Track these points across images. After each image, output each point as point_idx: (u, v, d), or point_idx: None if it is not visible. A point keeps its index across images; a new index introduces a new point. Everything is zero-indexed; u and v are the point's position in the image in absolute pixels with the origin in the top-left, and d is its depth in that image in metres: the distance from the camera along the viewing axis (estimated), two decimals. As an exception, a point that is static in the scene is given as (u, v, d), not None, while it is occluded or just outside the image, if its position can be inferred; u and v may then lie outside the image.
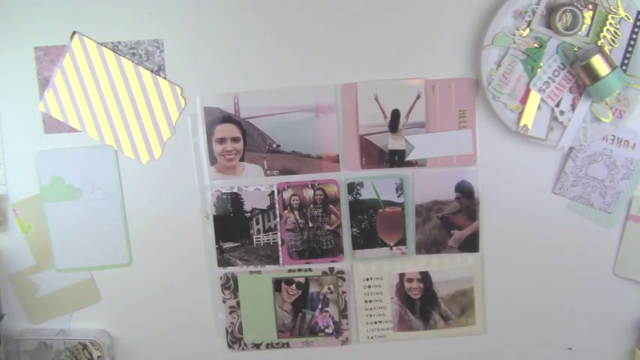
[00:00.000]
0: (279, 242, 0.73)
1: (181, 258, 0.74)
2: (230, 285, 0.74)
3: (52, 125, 0.72)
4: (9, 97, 0.72)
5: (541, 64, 0.67)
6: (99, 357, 0.75)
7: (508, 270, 0.73)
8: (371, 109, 0.69)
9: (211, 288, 0.74)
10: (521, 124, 0.68)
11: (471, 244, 0.72)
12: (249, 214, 0.72)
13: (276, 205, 0.72)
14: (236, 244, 0.73)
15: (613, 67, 0.64)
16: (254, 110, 0.70)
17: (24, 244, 0.74)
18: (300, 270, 0.73)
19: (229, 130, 0.71)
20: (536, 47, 0.67)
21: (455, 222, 0.71)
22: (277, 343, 0.75)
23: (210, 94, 0.70)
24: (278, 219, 0.72)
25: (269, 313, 0.74)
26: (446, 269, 0.73)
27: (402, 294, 0.74)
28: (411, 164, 0.70)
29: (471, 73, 0.69)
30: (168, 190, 0.73)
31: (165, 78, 0.71)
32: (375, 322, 0.74)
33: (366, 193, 0.71)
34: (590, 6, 0.65)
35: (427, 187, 0.71)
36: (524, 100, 0.68)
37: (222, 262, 0.73)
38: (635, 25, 0.65)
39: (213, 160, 0.71)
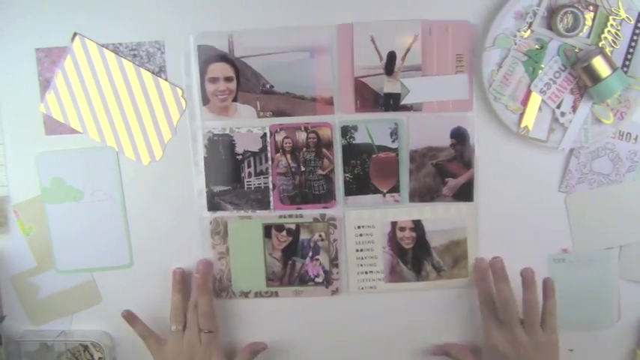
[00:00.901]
0: (271, 186, 0.71)
1: (183, 259, 0.74)
2: (220, 230, 0.72)
3: (53, 127, 0.72)
4: (10, 99, 0.72)
5: (542, 66, 0.67)
6: (100, 358, 0.75)
7: (503, 221, 0.72)
8: (367, 51, 0.68)
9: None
10: (522, 125, 0.68)
11: (465, 193, 0.71)
12: (240, 157, 0.71)
13: (269, 148, 0.70)
14: (226, 188, 0.71)
15: (614, 69, 0.64)
16: (248, 49, 0.69)
17: (25, 245, 0.74)
18: (291, 216, 0.72)
19: (223, 69, 0.69)
20: (537, 49, 0.67)
21: (450, 169, 0.70)
22: (266, 292, 0.74)
23: (204, 32, 0.69)
24: (270, 162, 0.71)
25: (258, 260, 0.73)
26: (439, 218, 0.72)
27: (394, 243, 0.72)
28: (406, 108, 0.69)
29: (470, 17, 0.68)
30: (169, 191, 0.73)
31: (166, 79, 0.71)
32: (366, 273, 0.73)
33: (360, 137, 0.70)
34: (591, 7, 0.65)
35: (422, 133, 0.70)
36: (525, 102, 0.68)
37: (213, 206, 0.72)
38: (636, 27, 0.65)
39: (205, 100, 0.70)
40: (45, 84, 0.71)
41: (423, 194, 0.71)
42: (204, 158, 0.71)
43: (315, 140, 0.70)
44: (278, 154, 0.71)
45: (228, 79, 0.70)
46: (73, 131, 0.72)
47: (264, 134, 0.70)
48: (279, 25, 0.69)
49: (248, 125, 0.70)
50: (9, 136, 0.73)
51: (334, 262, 0.73)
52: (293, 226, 0.72)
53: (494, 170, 0.71)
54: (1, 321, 0.75)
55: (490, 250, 0.72)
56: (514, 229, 0.72)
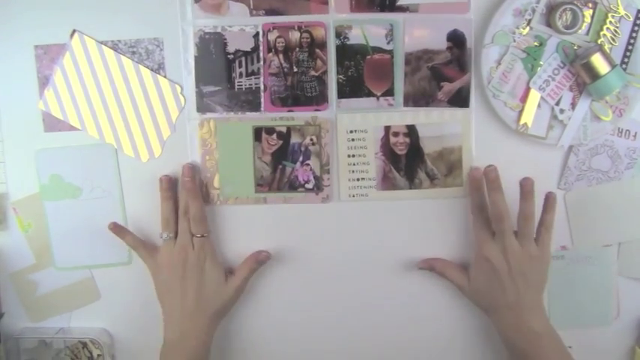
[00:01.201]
0: (262, 87, 0.69)
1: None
2: (208, 132, 0.71)
3: (52, 124, 0.72)
4: (9, 96, 0.72)
5: (541, 63, 0.67)
6: (99, 355, 0.75)
7: (498, 129, 0.70)
8: (363, -51, 0.66)
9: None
10: (521, 122, 0.68)
11: (461, 99, 0.69)
12: (232, 57, 0.69)
13: (261, 47, 0.69)
14: (217, 88, 0.70)
15: (613, 66, 0.64)
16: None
17: (24, 242, 0.74)
18: (282, 118, 0.70)
19: (216, -39, 0.67)
20: (536, 46, 0.67)
21: (445, 73, 0.69)
22: (255, 198, 0.72)
23: None
24: (262, 62, 0.69)
25: (248, 164, 0.71)
26: (434, 124, 0.70)
27: (387, 149, 0.70)
28: (402, 9, 0.68)
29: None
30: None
31: (165, 76, 0.71)
32: (358, 179, 0.71)
33: (354, 38, 0.68)
34: (590, 4, 0.65)
35: (418, 35, 0.68)
36: (524, 99, 0.68)
37: (202, 107, 0.70)
38: (635, 24, 0.65)
39: (197, -3, 0.68)
40: (44, 81, 0.71)
41: (418, 98, 0.70)
42: (195, 57, 0.69)
43: (308, 40, 0.69)
44: (270, 54, 0.69)
45: (220, -26, 0.67)
46: (72, 128, 0.72)
47: (257, 33, 0.69)
48: None
49: (240, 24, 0.69)
50: (7, 133, 0.73)
51: (325, 167, 0.71)
52: (284, 129, 0.70)
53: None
54: (0, 318, 0.75)
55: (485, 160, 0.70)
56: (513, 226, 0.72)
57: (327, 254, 0.74)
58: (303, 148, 0.71)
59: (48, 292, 0.75)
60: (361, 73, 0.69)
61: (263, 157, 0.71)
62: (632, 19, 0.65)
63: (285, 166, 0.71)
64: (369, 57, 0.69)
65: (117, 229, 0.71)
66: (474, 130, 0.70)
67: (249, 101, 0.70)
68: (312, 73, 0.69)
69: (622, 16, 0.65)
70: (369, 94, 0.69)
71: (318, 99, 0.70)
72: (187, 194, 0.69)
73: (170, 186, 0.71)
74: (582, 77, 0.66)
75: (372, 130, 0.70)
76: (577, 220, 0.72)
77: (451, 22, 0.68)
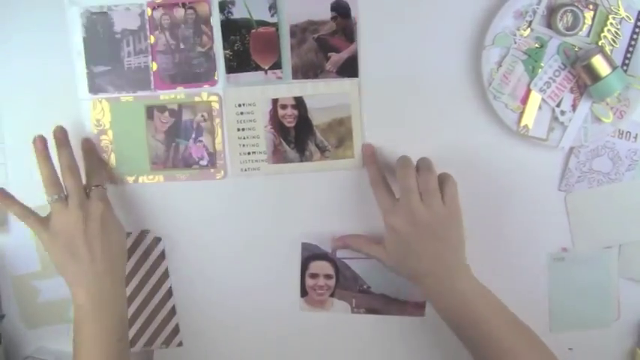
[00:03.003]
0: (151, 65, 0.70)
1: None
2: (101, 112, 0.71)
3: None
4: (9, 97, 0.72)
5: (542, 65, 0.67)
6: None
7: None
8: None
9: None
10: (522, 124, 0.68)
11: (350, 69, 0.69)
12: (119, 36, 0.69)
13: (147, 26, 0.69)
14: (107, 68, 0.70)
15: (614, 68, 0.64)
16: None
17: (32, 248, 0.74)
18: (172, 96, 0.70)
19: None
20: (537, 47, 0.67)
21: (332, 44, 0.69)
22: (150, 177, 0.72)
23: None
24: (149, 40, 0.69)
25: (141, 143, 0.71)
26: (322, 95, 0.69)
27: (276, 122, 0.70)
28: None
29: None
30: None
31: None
32: (249, 153, 0.71)
33: (238, 12, 0.68)
34: (591, 6, 0.65)
35: (301, 6, 0.68)
36: (524, 101, 0.68)
37: (94, 87, 0.70)
38: (635, 26, 0.65)
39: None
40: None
41: (307, 70, 0.69)
42: (83, 38, 0.69)
43: (193, 17, 0.69)
44: (157, 32, 0.69)
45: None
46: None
47: (143, 12, 0.69)
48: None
49: (125, 3, 0.69)
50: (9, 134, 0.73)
51: (218, 143, 0.71)
52: (175, 107, 0.70)
53: (493, 168, 0.71)
54: (1, 320, 0.75)
55: (376, 129, 0.70)
56: (513, 227, 0.72)
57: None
58: (195, 125, 0.71)
59: (49, 300, 0.75)
60: (247, 47, 0.69)
61: (156, 136, 0.71)
62: (632, 20, 0.65)
63: (178, 143, 0.71)
64: (253, 31, 0.69)
65: (4, 198, 0.66)
66: (364, 100, 0.70)
67: (140, 80, 0.70)
68: (199, 49, 0.70)
69: (623, 17, 0.65)
70: (257, 67, 0.69)
71: (207, 75, 0.70)
72: (60, 147, 0.67)
73: (43, 145, 0.67)
74: (583, 79, 0.66)
75: (260, 104, 0.70)
76: (578, 222, 0.72)
77: None
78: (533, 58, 0.67)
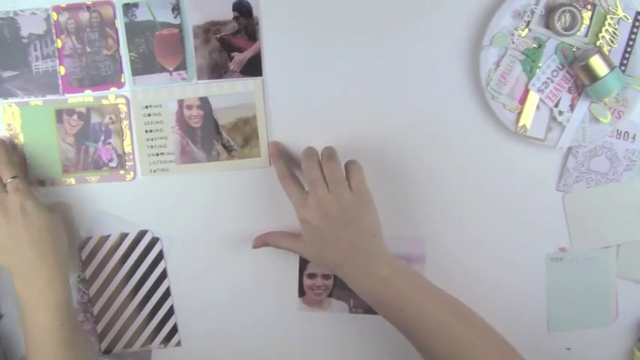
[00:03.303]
0: (58, 69, 0.71)
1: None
2: (12, 117, 0.71)
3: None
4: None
5: (540, 65, 0.67)
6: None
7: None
8: None
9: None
10: (520, 124, 0.68)
11: (254, 69, 0.70)
12: (26, 40, 0.70)
13: (53, 30, 0.70)
14: (15, 73, 0.71)
15: (612, 68, 0.64)
16: None
17: None
18: (80, 99, 0.71)
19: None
20: (534, 47, 0.67)
21: (235, 44, 0.69)
22: (62, 180, 0.73)
23: None
24: (56, 44, 0.70)
25: (52, 146, 0.72)
26: (226, 95, 0.70)
27: (182, 123, 0.71)
28: None
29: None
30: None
31: None
32: (157, 154, 0.72)
33: (141, 15, 0.69)
34: (589, 6, 0.65)
35: (203, 7, 0.69)
36: (522, 101, 0.68)
37: (3, 92, 0.71)
38: (633, 26, 0.65)
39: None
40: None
41: (211, 71, 0.70)
42: None
43: (98, 20, 0.70)
44: (63, 36, 0.70)
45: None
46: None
47: (48, 16, 0.70)
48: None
49: (31, 7, 0.69)
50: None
51: (126, 145, 0.72)
52: (84, 110, 0.71)
53: (491, 169, 0.71)
54: (0, 319, 0.75)
55: (281, 128, 0.71)
56: (511, 227, 0.72)
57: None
58: (103, 127, 0.72)
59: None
60: (152, 49, 0.70)
61: (66, 139, 0.72)
62: (630, 20, 0.65)
63: (88, 146, 0.72)
64: (157, 33, 0.70)
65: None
66: (269, 99, 0.71)
67: (48, 84, 0.71)
68: (105, 52, 0.70)
69: (621, 17, 0.65)
70: (162, 69, 0.70)
71: (114, 78, 0.71)
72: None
73: None
74: (581, 79, 0.66)
75: (167, 105, 0.71)
76: (576, 222, 0.72)
77: None
78: (531, 58, 0.67)
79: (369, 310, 0.74)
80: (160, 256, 0.75)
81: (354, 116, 0.71)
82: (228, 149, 0.72)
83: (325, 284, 0.75)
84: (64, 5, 0.69)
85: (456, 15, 0.68)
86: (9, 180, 0.68)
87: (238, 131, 0.71)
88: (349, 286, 0.66)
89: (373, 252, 0.64)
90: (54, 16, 0.70)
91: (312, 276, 0.75)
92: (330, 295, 0.75)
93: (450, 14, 0.68)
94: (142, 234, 0.74)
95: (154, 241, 0.74)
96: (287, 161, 0.70)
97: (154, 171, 0.73)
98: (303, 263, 0.74)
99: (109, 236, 0.74)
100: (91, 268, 0.75)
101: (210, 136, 0.72)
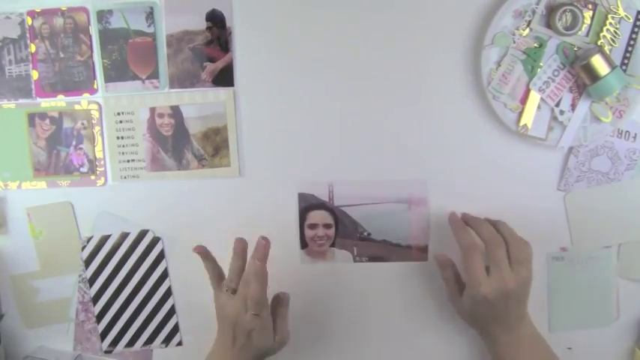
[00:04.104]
0: (31, 74, 0.71)
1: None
2: None
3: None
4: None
5: (541, 64, 0.67)
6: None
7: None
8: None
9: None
10: (521, 123, 0.68)
11: (226, 79, 0.71)
12: (0, 44, 0.71)
13: (27, 34, 0.70)
14: None
15: (613, 67, 0.64)
16: None
17: (32, 248, 0.75)
18: (52, 104, 0.72)
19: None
20: (536, 47, 0.67)
21: (207, 53, 0.70)
22: (33, 183, 0.73)
23: None
24: (30, 49, 0.71)
25: (24, 149, 0.73)
26: (198, 104, 0.71)
27: (154, 131, 0.72)
28: None
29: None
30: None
31: None
32: (128, 161, 0.73)
33: (115, 22, 0.70)
34: (590, 6, 0.65)
35: (177, 16, 0.69)
36: (524, 100, 0.68)
37: None
38: (635, 25, 0.65)
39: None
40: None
41: (183, 80, 0.71)
42: None
43: (72, 26, 0.70)
44: (37, 41, 0.71)
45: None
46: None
47: (23, 20, 0.70)
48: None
49: (6, 11, 0.70)
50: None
51: (98, 150, 0.73)
52: (56, 114, 0.72)
53: (493, 168, 0.71)
54: (0, 319, 0.75)
55: (252, 138, 0.72)
56: (513, 226, 0.72)
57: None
58: (75, 133, 0.73)
59: (48, 300, 0.76)
60: (125, 56, 0.71)
61: (38, 143, 0.73)
62: (631, 20, 0.65)
63: (59, 150, 0.73)
64: (131, 40, 0.70)
65: (203, 253, 0.70)
66: (240, 109, 0.71)
67: (21, 88, 0.72)
68: (78, 58, 0.71)
69: (622, 17, 0.65)
70: (135, 77, 0.71)
71: (87, 84, 0.72)
72: (254, 275, 0.65)
73: (243, 248, 0.68)
74: (582, 78, 0.66)
75: (139, 113, 0.72)
76: (577, 222, 0.72)
77: (209, 2, 0.69)
78: (532, 58, 0.67)
79: (373, 258, 0.74)
80: (161, 256, 0.75)
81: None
82: (199, 158, 0.73)
83: (327, 234, 0.74)
84: (38, 10, 0.70)
85: (457, 15, 0.68)
86: (252, 313, 0.66)
87: (209, 140, 0.72)
88: (483, 341, 0.69)
89: (521, 317, 0.67)
90: (28, 20, 0.70)
91: (313, 226, 0.74)
92: (332, 245, 0.74)
93: (451, 14, 0.68)
94: (142, 234, 0.74)
95: (155, 241, 0.74)
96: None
97: (125, 177, 0.73)
98: (303, 214, 0.73)
99: (109, 236, 0.74)
100: (92, 267, 0.75)
101: (181, 145, 0.72)
